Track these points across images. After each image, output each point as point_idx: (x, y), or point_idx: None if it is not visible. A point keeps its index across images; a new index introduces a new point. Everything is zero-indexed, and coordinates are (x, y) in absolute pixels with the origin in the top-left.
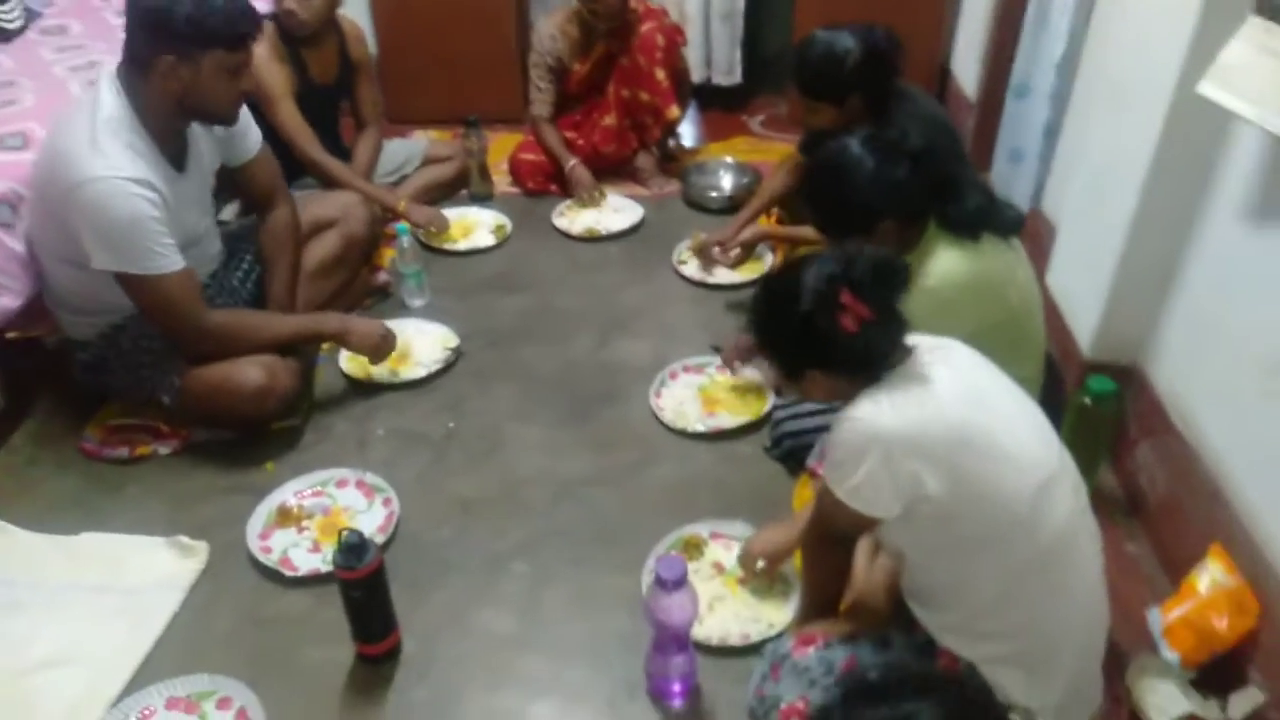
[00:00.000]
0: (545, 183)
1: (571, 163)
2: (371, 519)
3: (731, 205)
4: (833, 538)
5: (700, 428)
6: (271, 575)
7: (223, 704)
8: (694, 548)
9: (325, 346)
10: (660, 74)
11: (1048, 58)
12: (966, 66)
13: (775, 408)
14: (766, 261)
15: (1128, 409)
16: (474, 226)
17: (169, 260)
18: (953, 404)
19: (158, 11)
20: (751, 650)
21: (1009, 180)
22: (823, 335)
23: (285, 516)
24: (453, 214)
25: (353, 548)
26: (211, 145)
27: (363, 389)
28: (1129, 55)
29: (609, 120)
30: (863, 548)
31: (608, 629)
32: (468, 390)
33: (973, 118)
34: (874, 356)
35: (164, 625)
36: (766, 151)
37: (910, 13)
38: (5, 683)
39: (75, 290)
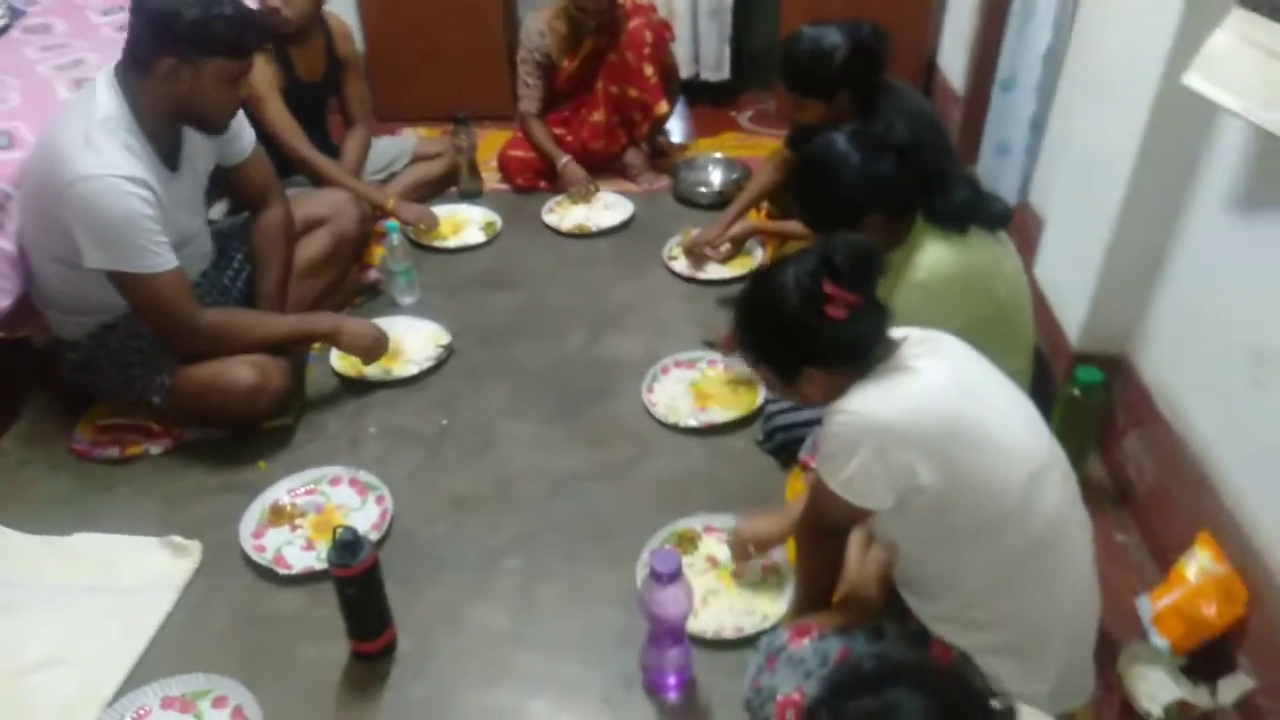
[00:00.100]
0: (534, 179)
1: (564, 160)
2: (365, 516)
3: (721, 201)
4: (825, 530)
5: (693, 422)
6: (265, 574)
7: (218, 703)
8: (688, 542)
9: (317, 345)
10: (649, 70)
11: (1033, 50)
12: (953, 60)
13: (767, 401)
14: (756, 257)
15: (1116, 399)
16: (463, 223)
17: (162, 259)
18: (944, 395)
19: (164, 14)
20: (746, 643)
21: (996, 173)
22: (813, 330)
23: (278, 515)
24: (442, 211)
25: (347, 545)
26: (206, 146)
27: (354, 387)
28: (1115, 47)
29: (597, 116)
30: (855, 539)
31: (602, 624)
32: (460, 387)
33: (959, 111)
34: (867, 342)
35: (158, 625)
36: (755, 147)
37: (897, 7)
38: (0, 684)
39: (65, 290)
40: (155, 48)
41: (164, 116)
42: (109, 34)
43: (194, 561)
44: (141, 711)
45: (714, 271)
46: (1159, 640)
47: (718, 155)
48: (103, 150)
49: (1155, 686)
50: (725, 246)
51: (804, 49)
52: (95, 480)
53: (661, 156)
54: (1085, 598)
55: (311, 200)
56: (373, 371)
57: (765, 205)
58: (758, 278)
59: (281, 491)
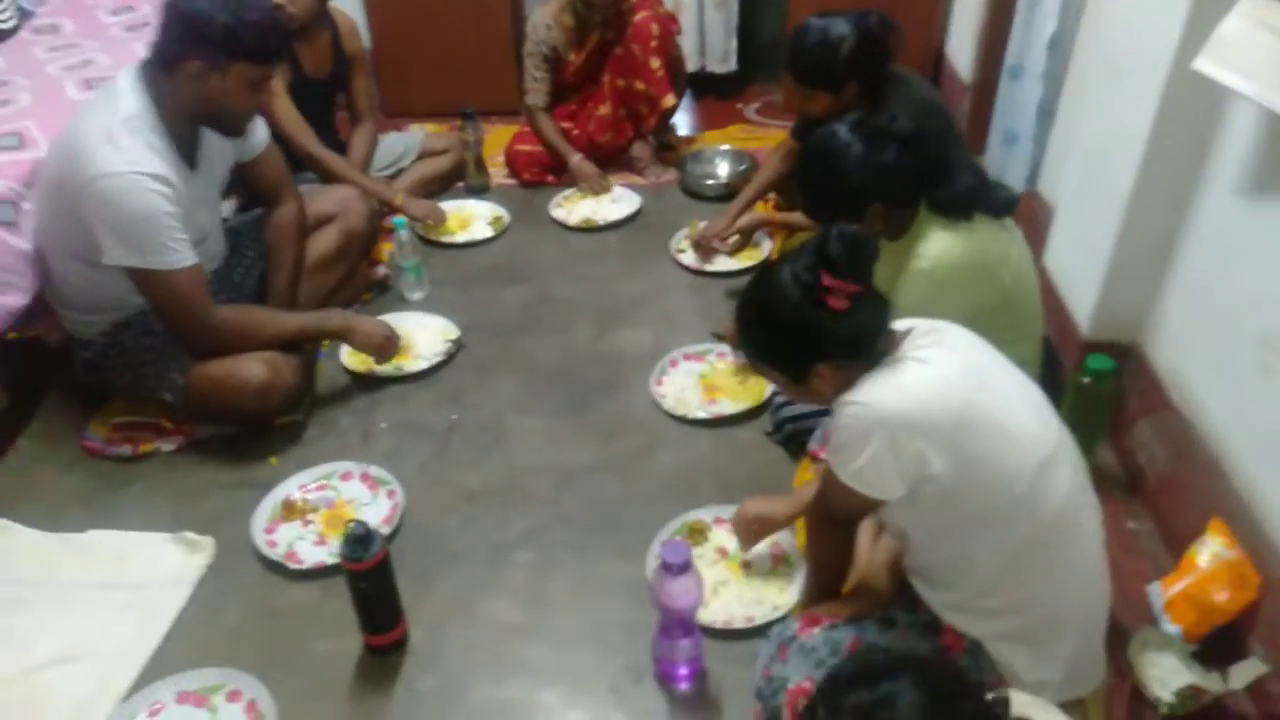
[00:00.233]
0: (542, 173)
1: (575, 158)
2: (376, 511)
3: (728, 193)
4: (836, 520)
5: (701, 414)
6: (278, 569)
7: (233, 696)
8: (697, 533)
9: (327, 342)
10: (655, 63)
11: (1039, 37)
12: (961, 49)
13: (775, 393)
14: (764, 248)
15: (1126, 387)
16: (471, 218)
17: (181, 255)
18: (953, 384)
19: (196, 16)
20: (756, 633)
21: (1004, 163)
22: (817, 325)
23: (290, 510)
24: (450, 206)
25: (359, 539)
26: (225, 144)
27: (365, 383)
28: (1125, 32)
29: (604, 110)
30: (865, 529)
31: (612, 615)
32: (469, 382)
33: (967, 100)
34: (871, 332)
35: (172, 620)
36: (762, 138)
37: None
38: (16, 680)
39: (82, 287)
40: (184, 49)
41: (186, 116)
42: (118, 34)
43: (207, 557)
44: (156, 706)
45: (722, 264)
46: (1170, 627)
47: (725, 147)
48: (126, 147)
49: (1166, 672)
50: (733, 238)
51: (811, 41)
52: (108, 477)
53: (668, 149)
54: (1096, 584)
55: (320, 197)
56: (383, 367)
57: (773, 196)
58: (753, 282)
59: (293, 487)
